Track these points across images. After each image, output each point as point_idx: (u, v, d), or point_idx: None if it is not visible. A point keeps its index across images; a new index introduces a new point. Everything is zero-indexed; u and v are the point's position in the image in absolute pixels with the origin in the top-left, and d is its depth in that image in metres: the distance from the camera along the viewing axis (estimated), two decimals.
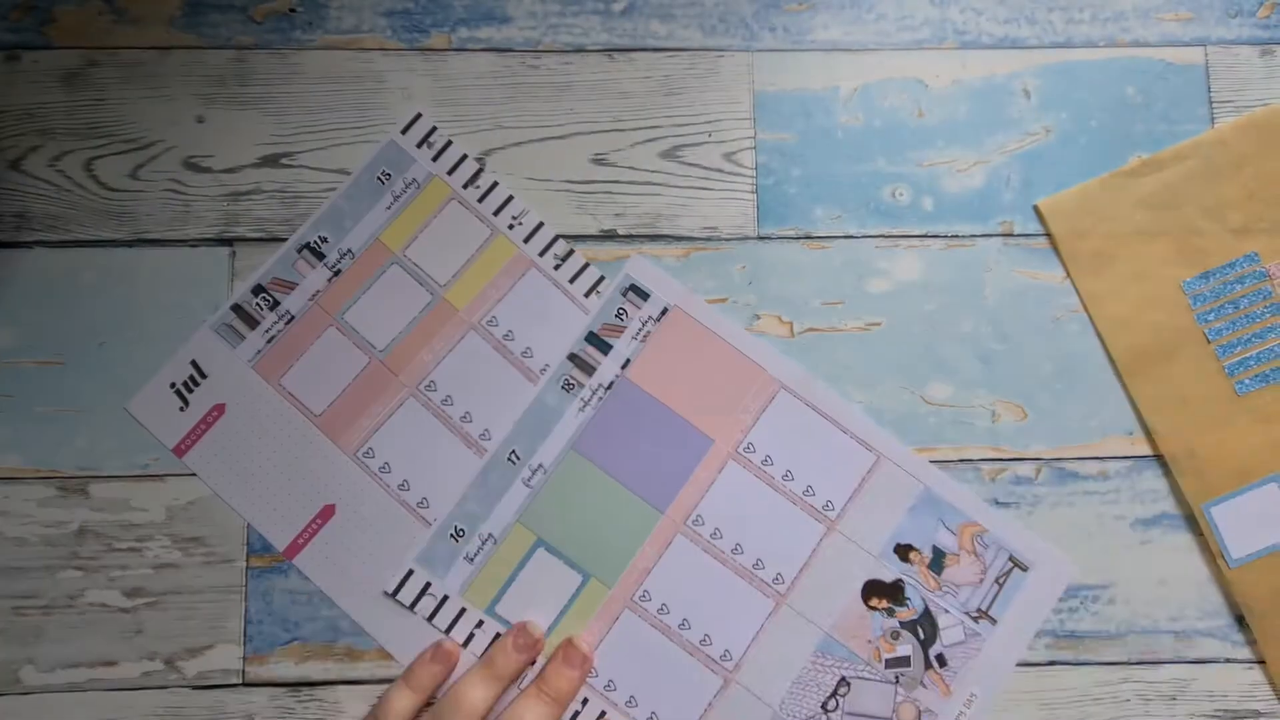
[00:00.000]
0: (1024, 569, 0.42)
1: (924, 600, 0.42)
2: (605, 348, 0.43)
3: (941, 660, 0.41)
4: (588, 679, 0.41)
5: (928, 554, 0.42)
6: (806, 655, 0.41)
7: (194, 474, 0.42)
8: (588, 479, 0.42)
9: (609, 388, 0.43)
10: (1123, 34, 0.46)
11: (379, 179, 0.44)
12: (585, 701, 0.41)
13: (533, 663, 0.41)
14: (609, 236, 0.44)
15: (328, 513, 0.42)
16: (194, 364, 0.43)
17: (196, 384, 0.42)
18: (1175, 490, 0.43)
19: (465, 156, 0.44)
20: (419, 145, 0.44)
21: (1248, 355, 0.43)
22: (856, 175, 0.45)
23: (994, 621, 0.41)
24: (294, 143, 0.44)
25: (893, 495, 0.42)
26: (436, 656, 0.40)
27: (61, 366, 0.42)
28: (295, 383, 0.43)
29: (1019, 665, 0.42)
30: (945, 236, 0.45)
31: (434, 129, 0.44)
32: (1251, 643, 0.42)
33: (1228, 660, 0.42)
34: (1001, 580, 0.42)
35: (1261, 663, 0.42)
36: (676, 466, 0.42)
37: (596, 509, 0.42)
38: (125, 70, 0.44)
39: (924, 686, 0.41)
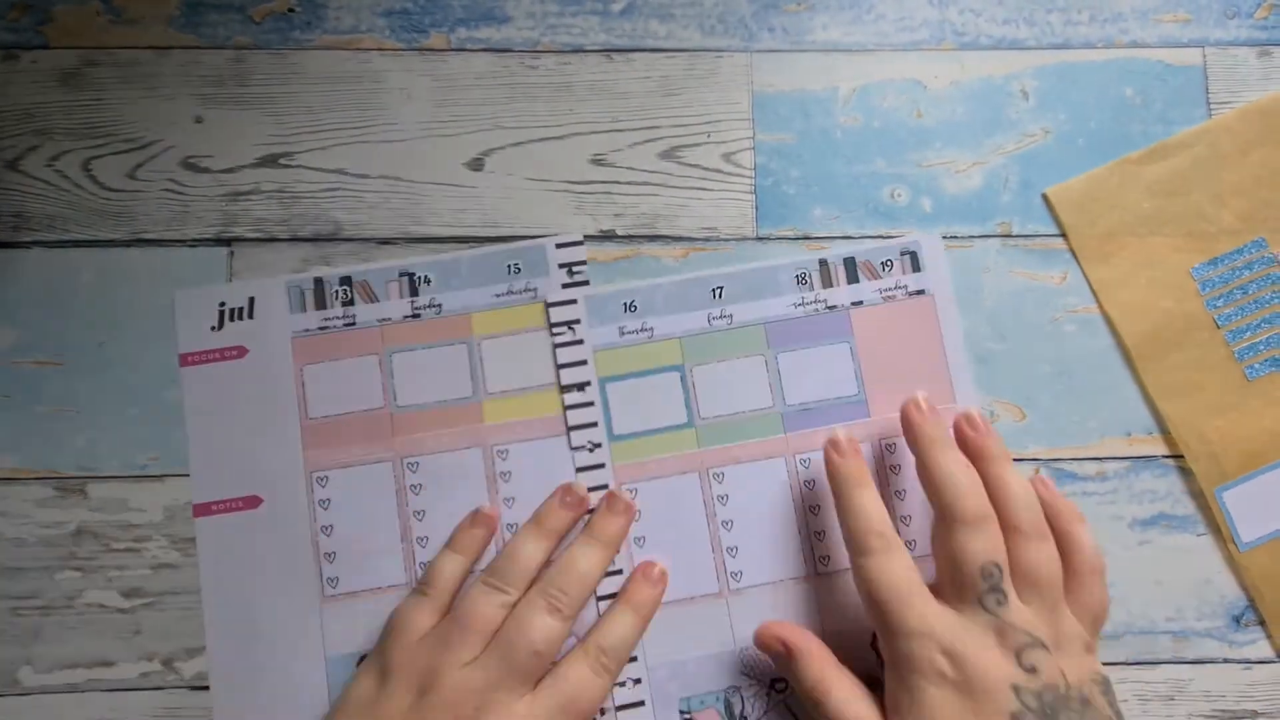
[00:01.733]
0: None
1: None
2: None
3: None
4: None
5: None
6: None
7: (186, 474, 0.42)
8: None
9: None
10: (1121, 35, 0.46)
11: (509, 266, 0.43)
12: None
13: (579, 519, 0.41)
14: (608, 237, 0.44)
15: (253, 502, 0.42)
16: (251, 300, 0.43)
17: (241, 318, 0.43)
18: (1181, 480, 0.43)
19: (579, 300, 0.43)
20: (561, 266, 0.43)
21: (1257, 340, 0.43)
22: (855, 176, 0.45)
23: None
24: (293, 143, 0.44)
25: None
26: (476, 521, 0.41)
27: (60, 367, 0.42)
28: (313, 378, 0.43)
29: None
30: (944, 237, 0.45)
31: (584, 263, 0.44)
32: (1249, 642, 0.42)
33: (1225, 660, 0.42)
34: None
35: (1264, 661, 0.42)
36: (833, 409, 0.43)
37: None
38: (123, 70, 0.44)
39: None
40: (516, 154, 0.45)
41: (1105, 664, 0.42)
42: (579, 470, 0.42)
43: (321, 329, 0.43)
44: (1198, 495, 0.43)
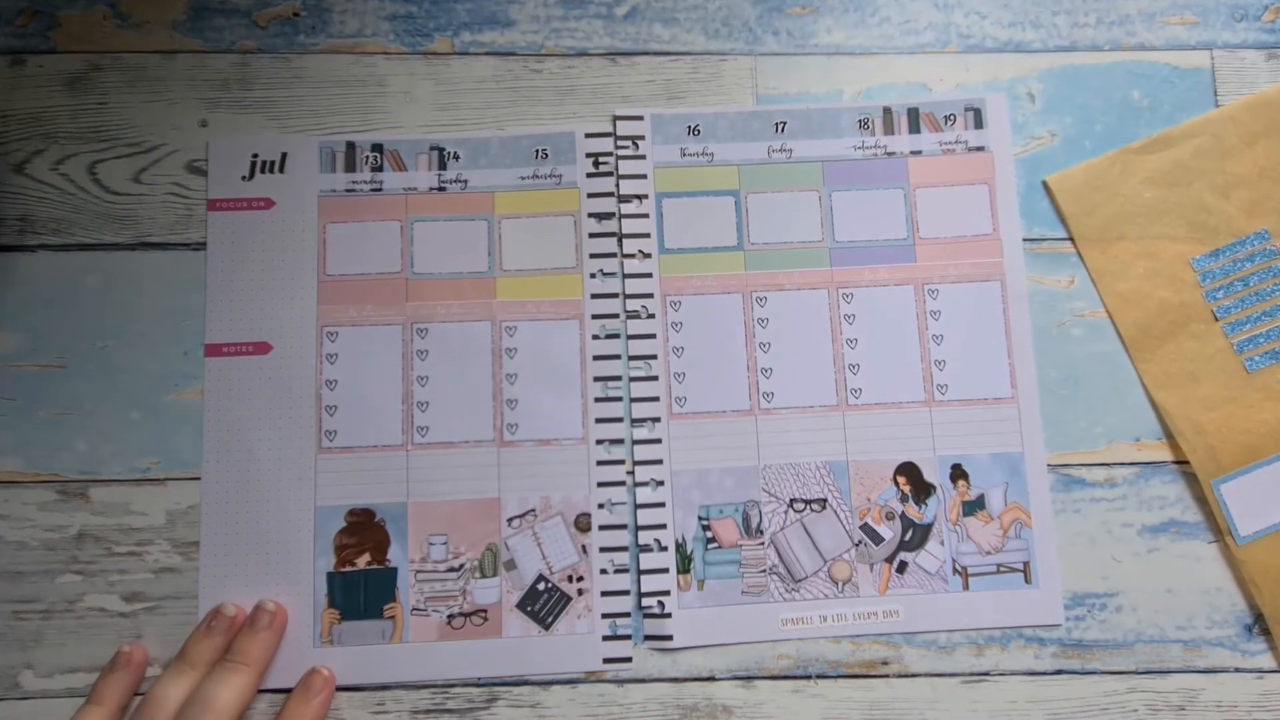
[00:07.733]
0: (1028, 581, 0.42)
1: (935, 519, 0.42)
2: None
3: (901, 567, 0.42)
4: None
5: (972, 494, 0.42)
6: (818, 460, 0.42)
7: (196, 477, 0.42)
8: None
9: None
10: (1128, 38, 0.46)
11: (537, 151, 0.44)
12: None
13: (229, 641, 0.39)
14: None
15: (263, 348, 0.42)
16: (284, 155, 0.44)
17: (271, 170, 0.43)
18: (1191, 487, 0.42)
19: (614, 193, 0.44)
20: (588, 156, 0.44)
21: (1257, 333, 0.43)
22: None
23: (965, 589, 0.42)
24: None
25: (1000, 428, 0.43)
26: (116, 664, 0.39)
27: (63, 370, 0.42)
28: (335, 237, 0.43)
29: (1027, 674, 0.41)
30: None
31: (610, 154, 0.44)
32: (1261, 652, 0.41)
33: (1237, 670, 0.41)
34: (1002, 570, 0.42)
35: (1277, 671, 0.41)
36: (880, 250, 0.44)
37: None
38: (129, 74, 0.44)
39: (870, 569, 0.41)
40: None
41: (1114, 673, 0.41)
42: (628, 276, 0.43)
43: (349, 191, 0.44)
44: (1204, 499, 0.42)
